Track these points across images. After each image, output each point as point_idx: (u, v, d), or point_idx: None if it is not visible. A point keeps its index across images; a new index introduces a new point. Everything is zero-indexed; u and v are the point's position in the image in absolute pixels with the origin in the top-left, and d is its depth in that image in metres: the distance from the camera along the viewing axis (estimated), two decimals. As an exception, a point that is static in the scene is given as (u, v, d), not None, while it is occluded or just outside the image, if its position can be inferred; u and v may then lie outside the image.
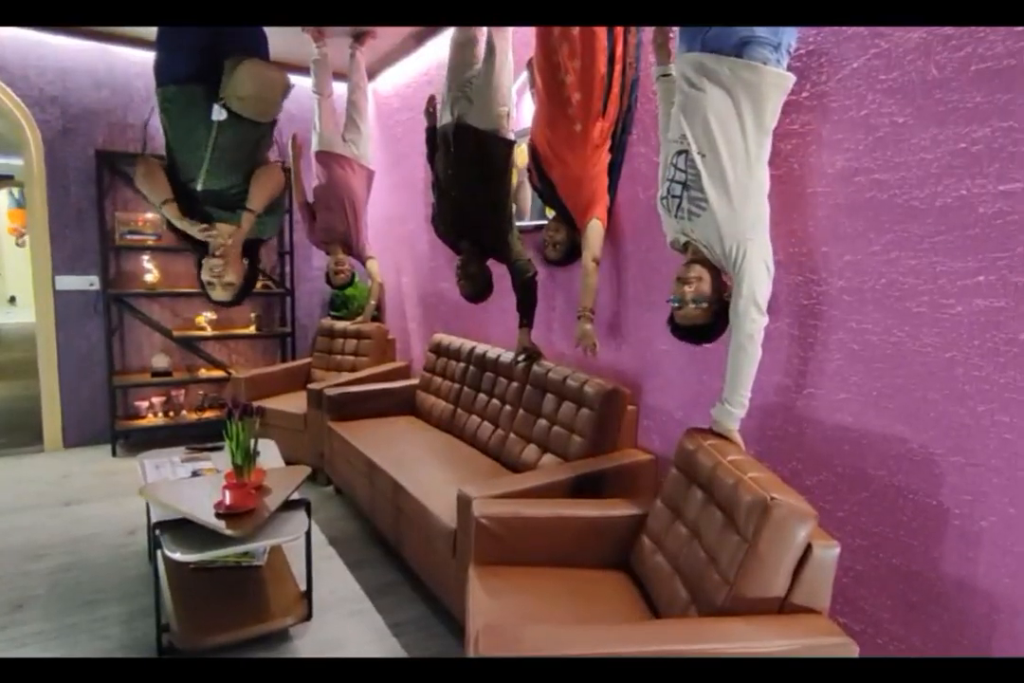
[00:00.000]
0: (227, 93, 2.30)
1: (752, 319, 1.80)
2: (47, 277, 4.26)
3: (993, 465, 1.56)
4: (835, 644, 1.44)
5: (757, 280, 1.80)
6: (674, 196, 1.92)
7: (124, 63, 4.30)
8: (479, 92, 2.84)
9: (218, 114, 2.31)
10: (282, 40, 2.63)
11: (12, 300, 11.86)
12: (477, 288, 3.10)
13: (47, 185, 4.20)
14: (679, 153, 1.90)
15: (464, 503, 2.18)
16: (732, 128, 1.79)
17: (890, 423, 1.78)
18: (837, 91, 1.87)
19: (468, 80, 2.92)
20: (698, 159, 1.83)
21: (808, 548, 1.50)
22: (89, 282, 4.37)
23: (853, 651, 1.43)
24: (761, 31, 1.71)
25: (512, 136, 2.93)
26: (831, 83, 1.89)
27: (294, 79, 2.50)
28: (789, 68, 1.80)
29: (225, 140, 2.38)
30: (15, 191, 10.09)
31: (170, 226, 2.58)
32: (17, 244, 10.61)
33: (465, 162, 2.93)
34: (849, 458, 1.89)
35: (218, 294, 2.54)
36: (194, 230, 2.45)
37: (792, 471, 2.05)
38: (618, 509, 2.13)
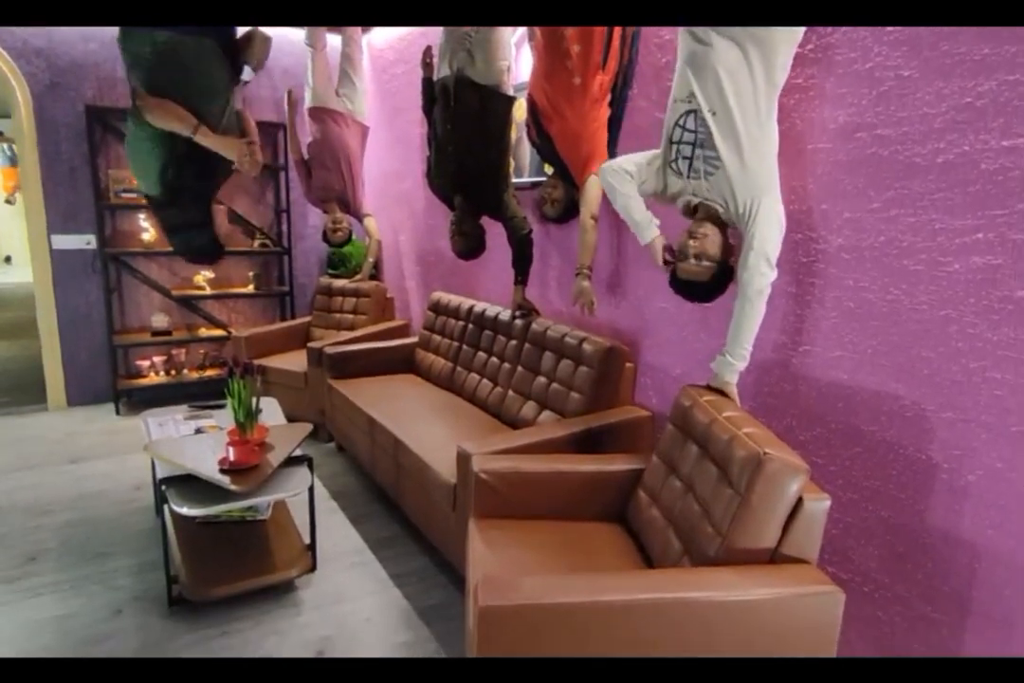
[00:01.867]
0: (248, 57, 2.59)
1: (762, 273, 1.81)
2: (42, 236, 4.22)
3: (983, 420, 1.59)
4: (823, 592, 1.49)
5: (769, 235, 1.80)
6: (684, 157, 1.91)
7: (111, 14, 4.16)
8: (479, 46, 2.77)
9: (248, 75, 2.68)
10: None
11: (7, 259, 11.78)
12: (470, 245, 3.10)
13: (38, 141, 4.12)
14: (687, 113, 1.87)
15: (464, 458, 2.22)
16: (743, 82, 1.76)
17: (884, 380, 1.80)
18: (843, 43, 1.83)
19: (467, 33, 2.84)
20: (709, 117, 1.81)
21: (799, 501, 1.54)
22: (86, 241, 4.32)
23: (840, 599, 1.49)
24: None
25: (512, 92, 2.87)
26: (837, 35, 1.85)
27: (286, 32, 2.52)
28: (794, 19, 1.76)
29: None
30: (6, 147, 9.91)
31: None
32: (8, 201, 10.44)
33: (465, 117, 2.88)
34: (843, 414, 1.92)
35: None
36: (232, 140, 2.53)
37: (786, 427, 2.09)
38: (615, 464, 2.18)
